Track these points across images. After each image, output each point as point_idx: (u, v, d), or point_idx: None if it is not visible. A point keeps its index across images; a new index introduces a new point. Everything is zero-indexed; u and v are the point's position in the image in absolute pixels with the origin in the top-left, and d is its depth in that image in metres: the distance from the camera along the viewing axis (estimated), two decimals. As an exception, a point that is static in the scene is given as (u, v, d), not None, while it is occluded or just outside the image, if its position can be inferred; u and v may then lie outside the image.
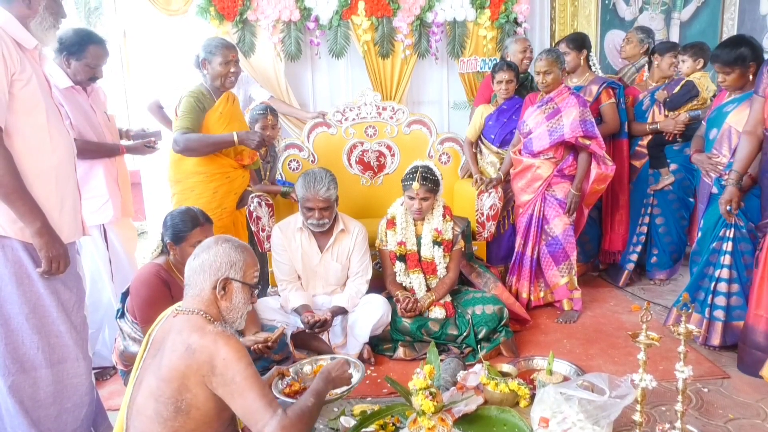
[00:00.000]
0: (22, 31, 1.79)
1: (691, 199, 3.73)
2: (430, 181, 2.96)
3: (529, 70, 3.97)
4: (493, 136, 3.77)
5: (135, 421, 1.58)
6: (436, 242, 3.03)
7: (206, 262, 1.63)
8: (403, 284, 3.08)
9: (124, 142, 3.01)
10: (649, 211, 3.82)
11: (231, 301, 1.66)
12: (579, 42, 3.79)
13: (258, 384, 1.54)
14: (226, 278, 1.64)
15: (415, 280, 3.04)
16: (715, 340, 2.87)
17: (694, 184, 3.64)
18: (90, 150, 2.68)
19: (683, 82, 3.61)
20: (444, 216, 3.07)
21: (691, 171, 3.64)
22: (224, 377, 1.51)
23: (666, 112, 3.67)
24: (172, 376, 1.51)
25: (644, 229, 3.85)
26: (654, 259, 3.88)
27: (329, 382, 1.86)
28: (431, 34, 4.26)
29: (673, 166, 3.71)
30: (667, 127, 3.63)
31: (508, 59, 3.87)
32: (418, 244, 3.07)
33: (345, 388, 2.12)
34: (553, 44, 4.20)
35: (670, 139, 3.68)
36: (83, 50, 2.61)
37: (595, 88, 3.71)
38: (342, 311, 2.91)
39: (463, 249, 3.15)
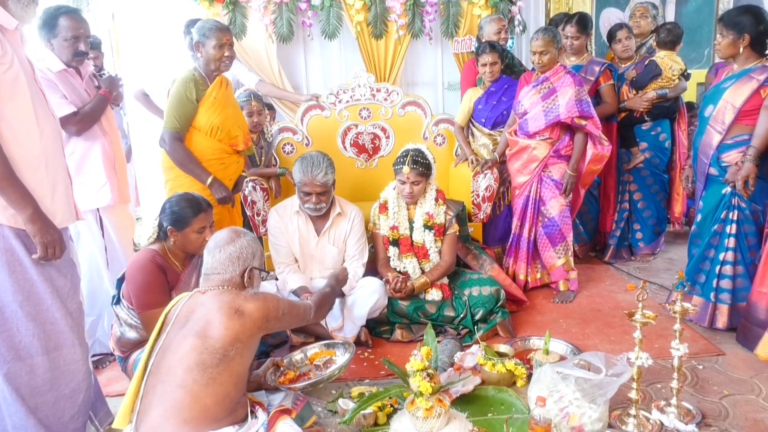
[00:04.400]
0: (1, 12, 1.73)
1: (665, 175, 3.97)
2: (421, 165, 2.93)
3: (507, 48, 3.96)
4: (483, 120, 3.76)
5: (166, 377, 1.72)
6: (427, 226, 3.01)
7: (233, 254, 1.89)
8: (397, 269, 3.06)
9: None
10: (627, 188, 4.00)
11: (253, 285, 1.95)
12: (586, 24, 3.83)
13: (292, 303, 2.07)
14: (252, 267, 1.93)
15: (409, 265, 3.03)
16: (721, 323, 2.86)
17: (664, 160, 3.91)
18: (86, 119, 2.63)
19: (647, 61, 3.81)
20: (437, 200, 3.04)
21: (661, 149, 3.91)
22: (278, 318, 1.91)
23: (633, 92, 3.85)
24: (223, 334, 1.75)
25: (626, 206, 4.03)
26: (639, 235, 4.03)
27: (338, 281, 2.62)
28: (425, 14, 4.20)
29: (642, 145, 3.88)
30: (634, 105, 3.81)
31: (483, 40, 3.86)
32: (411, 229, 3.06)
33: (336, 367, 2.17)
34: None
35: (638, 116, 3.84)
36: (55, 25, 2.52)
37: (597, 69, 3.72)
38: (339, 294, 2.90)
39: (457, 233, 3.12)
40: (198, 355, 1.72)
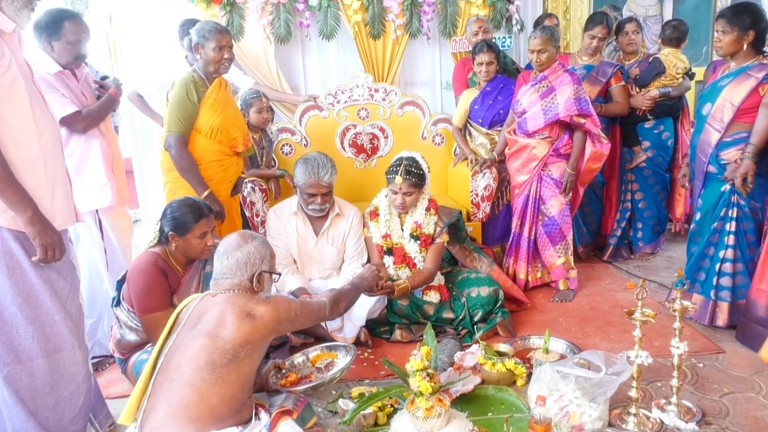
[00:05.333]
0: None
1: (667, 174, 3.93)
2: (414, 176, 2.86)
3: (502, 47, 4.00)
4: (480, 120, 3.76)
5: (175, 375, 1.75)
6: (413, 236, 2.97)
7: (241, 261, 1.90)
8: (392, 277, 3.01)
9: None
10: (630, 188, 3.97)
11: (263, 289, 1.97)
12: (612, 24, 3.83)
13: (305, 303, 2.07)
14: (261, 272, 1.93)
15: (403, 276, 2.99)
16: (721, 321, 2.85)
17: (667, 159, 3.88)
18: (93, 117, 2.65)
19: (651, 59, 3.77)
20: (428, 209, 2.97)
21: (663, 148, 3.88)
22: (290, 320, 1.95)
23: (636, 89, 3.81)
24: (234, 335, 1.78)
25: (628, 205, 4.00)
26: (639, 234, 4.02)
27: (363, 279, 2.54)
28: (422, 14, 4.20)
29: (645, 144, 3.85)
30: (637, 102, 3.76)
31: (466, 41, 3.88)
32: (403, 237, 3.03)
33: (337, 369, 2.17)
34: (538, 22, 4.15)
35: (640, 114, 3.80)
36: (59, 28, 2.53)
37: (609, 70, 3.70)
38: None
39: (445, 243, 3.04)
40: (208, 354, 1.74)
